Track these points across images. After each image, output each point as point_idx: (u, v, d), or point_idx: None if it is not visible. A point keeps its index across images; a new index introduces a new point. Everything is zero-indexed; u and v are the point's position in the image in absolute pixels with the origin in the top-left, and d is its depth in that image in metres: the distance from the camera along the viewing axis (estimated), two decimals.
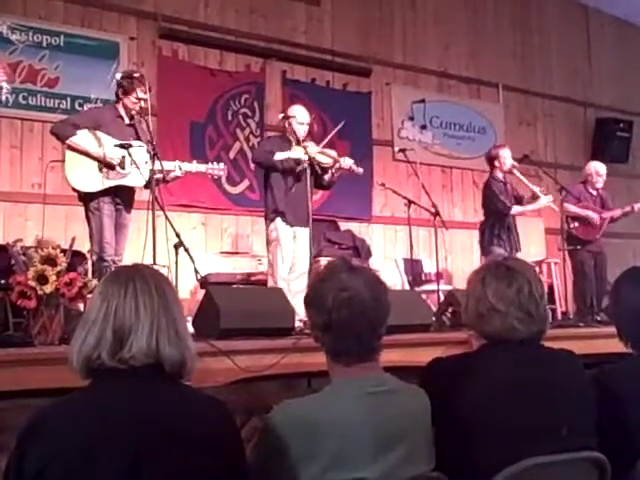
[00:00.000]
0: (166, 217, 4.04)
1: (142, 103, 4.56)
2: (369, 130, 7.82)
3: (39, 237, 5.04)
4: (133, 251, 4.62)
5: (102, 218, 4.46)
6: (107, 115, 4.67)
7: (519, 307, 1.96)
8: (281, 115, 5.44)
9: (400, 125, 8.09)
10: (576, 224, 6.40)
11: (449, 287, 6.37)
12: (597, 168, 6.63)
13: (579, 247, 6.32)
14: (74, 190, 4.52)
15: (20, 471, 1.48)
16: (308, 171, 4.80)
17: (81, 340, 1.59)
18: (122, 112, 4.67)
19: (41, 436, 1.48)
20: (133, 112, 4.66)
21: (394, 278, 6.95)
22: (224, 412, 1.64)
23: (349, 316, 1.78)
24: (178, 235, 3.92)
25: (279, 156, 5.05)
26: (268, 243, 5.19)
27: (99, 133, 4.51)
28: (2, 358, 2.59)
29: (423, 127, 8.20)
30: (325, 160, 5.13)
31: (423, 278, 6.95)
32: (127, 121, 4.69)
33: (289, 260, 5.05)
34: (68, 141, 4.47)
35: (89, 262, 4.15)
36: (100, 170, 4.49)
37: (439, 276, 5.81)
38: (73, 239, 3.27)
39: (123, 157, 4.49)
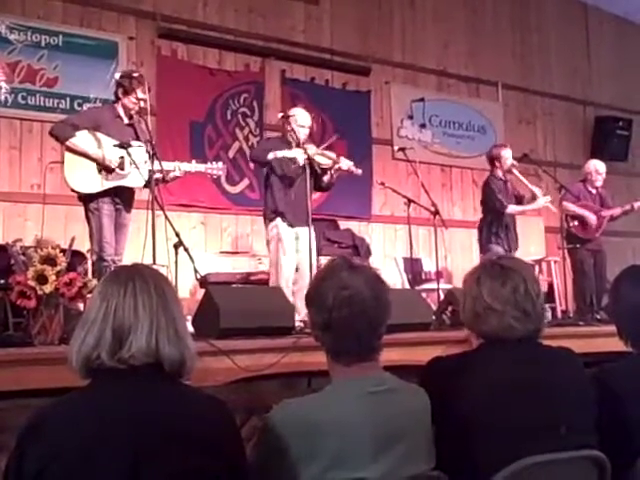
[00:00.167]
0: (166, 217, 4.04)
1: (141, 103, 4.55)
2: (368, 129, 7.82)
3: (38, 237, 5.03)
4: (133, 251, 4.62)
5: (101, 218, 4.46)
6: (106, 115, 4.67)
7: (515, 306, 1.96)
8: (280, 114, 5.44)
9: (399, 124, 8.09)
10: (575, 223, 6.41)
11: (449, 286, 6.37)
12: (597, 166, 6.62)
13: (579, 246, 6.33)
14: (73, 191, 4.51)
15: (20, 471, 1.48)
16: (308, 171, 4.80)
17: (80, 340, 1.59)
18: (121, 112, 4.67)
19: (41, 436, 1.48)
20: (132, 112, 4.65)
21: (394, 277, 6.95)
22: (224, 412, 1.64)
23: (349, 315, 1.78)
24: (178, 235, 3.91)
25: (272, 156, 5.06)
26: (268, 243, 5.19)
27: (98, 134, 4.51)
28: (2, 358, 2.59)
29: (422, 126, 8.20)
30: (324, 161, 5.15)
31: (423, 277, 6.96)
32: (126, 121, 4.68)
33: (293, 259, 5.04)
34: (67, 142, 4.47)
35: (89, 262, 4.15)
36: (99, 171, 4.49)
37: (439, 275, 5.81)
38: (73, 239, 3.26)
39: (122, 158, 4.49)
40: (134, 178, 4.50)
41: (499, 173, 6.14)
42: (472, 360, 2.00)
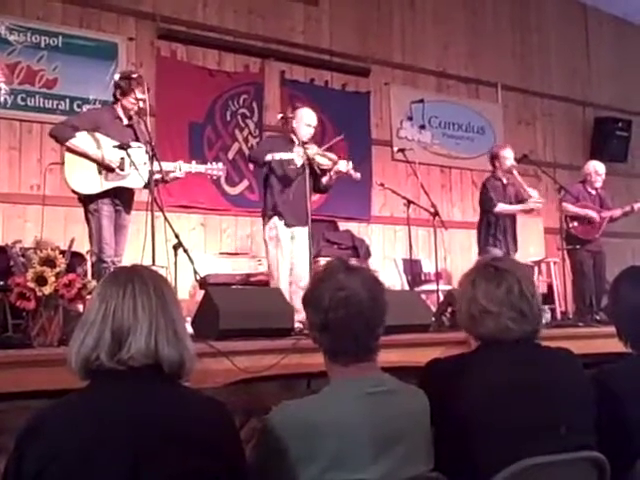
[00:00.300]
0: (165, 218, 4.04)
1: (141, 104, 4.55)
2: (368, 130, 7.82)
3: (38, 238, 5.03)
4: (132, 252, 4.62)
5: (101, 219, 4.46)
6: (106, 116, 4.67)
7: (511, 307, 1.96)
8: (280, 115, 5.44)
9: (399, 125, 8.09)
10: (575, 224, 6.41)
11: (448, 287, 6.36)
12: (596, 167, 6.62)
13: (578, 247, 6.32)
14: (73, 192, 4.52)
15: (19, 472, 1.48)
16: (307, 171, 4.80)
17: (80, 341, 1.59)
18: (120, 113, 4.67)
19: (40, 437, 1.48)
20: (132, 113, 4.66)
21: (393, 278, 6.95)
22: (223, 413, 1.64)
23: (346, 316, 1.78)
24: (177, 236, 3.91)
25: (270, 157, 5.07)
26: (266, 243, 5.18)
27: (98, 135, 4.51)
28: (1, 359, 2.59)
29: (422, 127, 8.20)
30: (324, 162, 5.15)
31: (422, 278, 6.95)
32: (125, 122, 4.69)
33: (288, 259, 5.05)
34: (67, 143, 4.47)
35: (88, 263, 4.15)
36: (99, 172, 4.49)
37: (438, 276, 5.80)
38: (72, 240, 3.26)
39: (122, 159, 4.49)
40: (134, 179, 4.50)
41: (499, 173, 6.15)
42: (471, 361, 2.00)
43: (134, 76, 4.66)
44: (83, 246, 4.33)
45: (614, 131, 9.28)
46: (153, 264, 3.79)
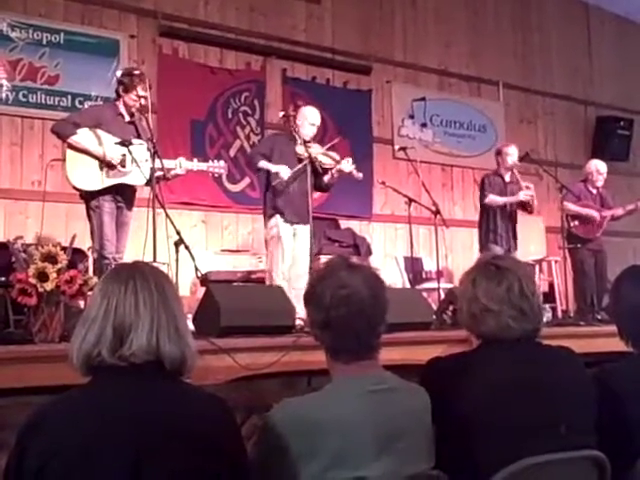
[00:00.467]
0: (167, 215, 4.05)
1: (142, 101, 4.56)
2: (369, 128, 7.81)
3: (39, 234, 5.04)
4: (134, 249, 4.62)
5: (103, 216, 4.47)
6: (107, 113, 4.67)
7: (511, 305, 1.96)
8: (281, 113, 5.44)
9: (400, 123, 8.08)
10: (576, 222, 6.40)
11: (449, 285, 6.37)
12: (597, 166, 6.62)
13: (579, 245, 6.32)
14: (75, 189, 4.52)
15: (20, 468, 1.48)
16: (309, 169, 4.81)
17: (81, 337, 1.59)
18: (122, 110, 4.67)
19: (41, 433, 1.48)
20: (133, 110, 4.66)
21: (394, 276, 6.95)
22: (225, 410, 1.64)
23: (347, 314, 1.78)
24: (178, 233, 3.92)
25: (261, 165, 5.11)
26: (267, 241, 5.19)
27: (99, 132, 4.51)
28: (2, 355, 2.60)
29: (423, 125, 8.20)
30: (327, 161, 5.17)
31: (423, 276, 6.95)
32: (127, 119, 4.69)
33: (289, 258, 5.05)
34: (69, 140, 4.47)
35: (90, 259, 4.16)
36: (101, 169, 4.49)
37: (439, 274, 5.81)
38: (73, 236, 3.27)
39: (124, 156, 4.49)
40: (135, 176, 4.51)
41: (501, 170, 6.19)
42: (471, 360, 2.00)
43: (136, 73, 4.67)
44: (84, 243, 4.33)
45: (616, 130, 9.28)
46: (154, 261, 3.79)
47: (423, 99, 8.17)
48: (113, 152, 4.47)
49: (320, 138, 5.44)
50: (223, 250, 6.63)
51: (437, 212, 5.29)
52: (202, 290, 3.89)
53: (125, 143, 4.43)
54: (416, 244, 5.89)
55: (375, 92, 7.94)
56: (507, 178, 6.17)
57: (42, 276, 2.91)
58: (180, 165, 4.70)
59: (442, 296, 5.10)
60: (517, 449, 1.78)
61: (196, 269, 3.79)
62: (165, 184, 4.76)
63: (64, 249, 3.05)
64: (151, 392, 1.56)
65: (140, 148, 4.52)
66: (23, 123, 6.03)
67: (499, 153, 6.25)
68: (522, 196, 6.04)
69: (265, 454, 1.73)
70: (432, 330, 3.91)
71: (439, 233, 5.33)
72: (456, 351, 2.17)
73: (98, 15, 6.44)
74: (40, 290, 2.91)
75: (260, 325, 3.27)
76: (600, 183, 6.60)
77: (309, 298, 1.89)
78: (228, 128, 7.01)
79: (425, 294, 5.15)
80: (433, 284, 5.97)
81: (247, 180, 6.99)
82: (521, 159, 6.28)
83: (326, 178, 5.22)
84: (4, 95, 5.96)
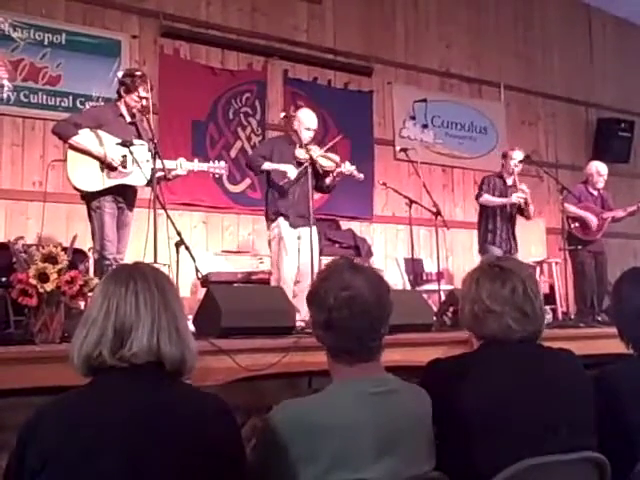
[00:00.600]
0: (167, 216, 4.05)
1: (144, 101, 4.57)
2: (370, 129, 7.81)
3: (40, 235, 5.04)
4: (134, 249, 4.62)
5: (103, 216, 4.47)
6: (109, 114, 4.68)
7: (514, 307, 1.96)
8: (283, 114, 5.44)
9: (401, 124, 8.08)
10: (577, 224, 6.41)
11: (450, 287, 6.37)
12: (598, 168, 6.62)
13: (580, 247, 6.32)
14: (76, 189, 4.52)
15: (21, 469, 1.48)
16: (310, 171, 4.80)
17: (82, 338, 1.59)
18: (124, 110, 4.68)
19: (41, 434, 1.48)
20: (134, 110, 4.67)
21: (395, 278, 6.95)
22: (225, 411, 1.63)
23: (350, 315, 1.78)
24: (179, 234, 3.92)
25: (266, 166, 5.09)
26: (270, 243, 5.19)
27: (101, 132, 4.51)
28: (3, 356, 2.59)
29: (424, 126, 8.20)
30: (327, 164, 5.16)
31: (424, 278, 6.95)
32: (128, 119, 4.69)
33: (294, 259, 5.05)
34: (70, 141, 4.47)
35: (90, 260, 4.16)
36: (102, 169, 4.49)
37: (440, 276, 5.81)
38: (74, 237, 3.27)
39: (124, 156, 4.49)
40: (136, 176, 4.51)
41: (503, 173, 6.24)
42: (472, 361, 2.00)
43: (138, 74, 4.67)
44: (85, 243, 4.33)
45: (617, 132, 9.28)
46: (155, 262, 3.79)
47: (424, 100, 8.17)
48: (114, 153, 4.48)
49: (321, 139, 5.44)
50: (224, 251, 6.63)
51: (438, 213, 5.29)
52: (203, 291, 3.89)
53: (126, 144, 4.43)
54: (417, 245, 5.90)
55: (376, 93, 7.94)
56: (509, 182, 6.19)
57: (43, 277, 2.91)
58: (181, 166, 4.70)
59: (442, 298, 5.09)
60: (517, 451, 1.78)
61: (197, 270, 3.79)
62: (166, 185, 4.76)
63: (65, 250, 3.05)
64: (151, 392, 1.56)
65: (141, 149, 4.53)
66: (24, 123, 6.03)
67: (504, 156, 6.31)
68: (514, 198, 6.06)
69: (265, 456, 1.72)
70: (433, 332, 3.91)
71: (440, 234, 5.34)
72: (457, 352, 2.17)
73: (100, 15, 6.44)
74: (41, 291, 2.91)
75: (261, 326, 3.27)
76: (601, 185, 6.60)
77: (312, 299, 1.89)
78: (229, 129, 7.01)
79: (425, 296, 5.15)
80: (434, 286, 5.97)
81: (248, 181, 6.99)
82: (522, 160, 6.29)
83: (327, 180, 5.22)
84: (5, 95, 5.96)
